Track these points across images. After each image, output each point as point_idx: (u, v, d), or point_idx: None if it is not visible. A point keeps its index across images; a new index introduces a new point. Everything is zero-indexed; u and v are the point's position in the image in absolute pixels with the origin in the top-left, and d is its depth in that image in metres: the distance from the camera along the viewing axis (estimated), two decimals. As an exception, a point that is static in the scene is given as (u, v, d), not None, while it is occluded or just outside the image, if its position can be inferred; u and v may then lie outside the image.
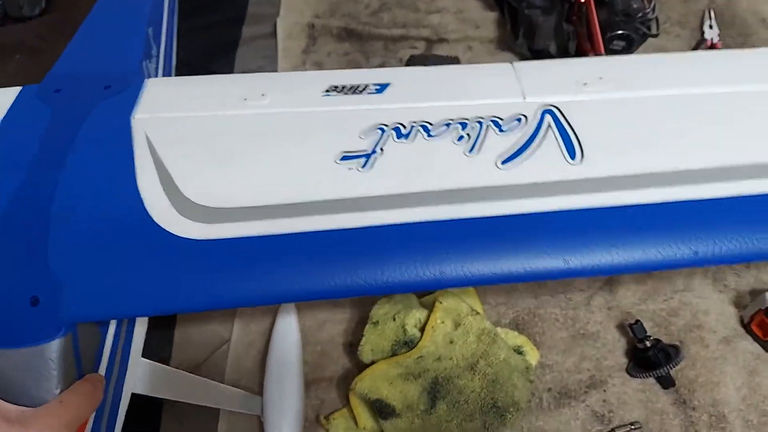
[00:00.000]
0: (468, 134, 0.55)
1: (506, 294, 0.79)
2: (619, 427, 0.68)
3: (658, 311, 0.76)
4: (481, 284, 0.48)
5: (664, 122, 0.54)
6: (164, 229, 0.50)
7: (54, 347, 0.46)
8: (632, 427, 0.68)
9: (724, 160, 0.51)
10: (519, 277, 0.46)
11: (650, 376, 0.70)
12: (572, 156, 0.52)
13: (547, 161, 0.52)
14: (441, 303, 0.67)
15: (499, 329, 0.73)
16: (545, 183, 0.51)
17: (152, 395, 0.58)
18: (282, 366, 0.71)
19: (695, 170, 0.50)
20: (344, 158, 0.55)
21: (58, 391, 0.45)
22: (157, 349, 0.75)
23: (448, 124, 0.56)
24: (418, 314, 0.68)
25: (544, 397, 0.71)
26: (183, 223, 0.50)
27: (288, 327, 0.76)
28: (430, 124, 0.57)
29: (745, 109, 0.55)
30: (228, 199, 0.52)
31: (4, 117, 0.59)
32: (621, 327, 0.75)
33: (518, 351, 0.71)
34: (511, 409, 0.65)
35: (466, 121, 0.56)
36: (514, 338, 0.72)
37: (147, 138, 0.57)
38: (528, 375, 0.68)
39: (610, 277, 0.79)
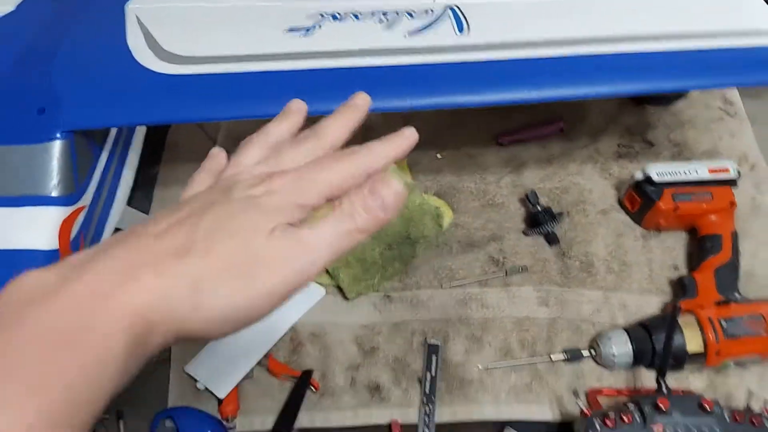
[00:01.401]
0: (387, 19, 0.69)
1: (433, 172, 0.93)
2: (511, 269, 0.82)
3: (553, 189, 0.90)
4: (387, 111, 0.62)
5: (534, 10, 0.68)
6: (147, 68, 0.63)
7: (56, 146, 0.59)
8: (521, 269, 0.82)
9: (578, 32, 0.65)
10: (414, 107, 0.60)
11: (539, 233, 0.85)
12: (461, 31, 0.66)
13: (441, 34, 0.66)
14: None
15: (423, 194, 0.87)
16: (438, 47, 0.64)
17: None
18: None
19: (553, 39, 0.64)
20: (290, 30, 0.68)
21: (56, 185, 0.59)
22: (137, 206, 0.88)
23: (373, 13, 0.70)
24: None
25: (453, 246, 0.85)
26: (161, 65, 0.64)
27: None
28: (360, 13, 0.70)
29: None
30: (196, 51, 0.65)
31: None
32: (522, 200, 0.89)
33: (436, 211, 0.85)
34: (421, 241, 0.79)
35: (387, 11, 0.70)
36: (434, 201, 0.87)
37: (137, 17, 0.70)
38: (438, 220, 0.82)
39: (517, 163, 0.92)
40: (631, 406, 0.63)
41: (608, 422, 0.62)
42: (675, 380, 0.73)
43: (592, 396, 0.72)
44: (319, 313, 0.81)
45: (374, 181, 0.32)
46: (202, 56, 0.65)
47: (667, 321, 0.72)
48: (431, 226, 0.81)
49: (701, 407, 0.62)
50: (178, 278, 0.28)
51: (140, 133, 0.78)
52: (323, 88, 0.61)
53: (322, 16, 0.70)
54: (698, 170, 0.80)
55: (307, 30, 0.68)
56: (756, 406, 0.63)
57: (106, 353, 0.25)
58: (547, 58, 0.62)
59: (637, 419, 0.62)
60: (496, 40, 0.64)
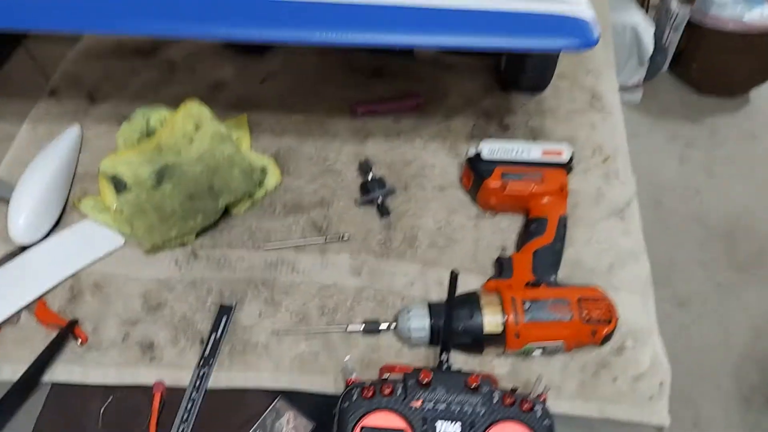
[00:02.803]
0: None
1: (276, 134, 0.84)
2: (331, 235, 0.73)
3: (395, 161, 0.81)
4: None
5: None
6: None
7: None
8: (342, 237, 0.73)
9: None
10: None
11: (369, 203, 0.76)
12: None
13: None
14: (185, 105, 0.71)
15: (252, 152, 0.78)
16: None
17: None
18: (47, 158, 0.75)
19: None
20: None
21: None
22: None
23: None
24: (164, 113, 0.73)
25: (277, 208, 0.76)
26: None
27: (70, 133, 0.80)
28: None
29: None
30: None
31: None
32: (361, 170, 0.80)
33: (262, 170, 0.76)
34: (225, 194, 0.70)
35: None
36: (261, 159, 0.78)
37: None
38: (252, 176, 0.73)
39: (365, 134, 0.84)
40: (397, 379, 0.54)
41: (367, 393, 0.53)
42: (479, 364, 0.65)
43: (383, 372, 0.63)
44: (113, 264, 0.71)
45: None
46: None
47: (468, 297, 0.63)
48: (240, 180, 0.72)
49: (467, 385, 0.53)
50: None
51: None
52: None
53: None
54: (531, 150, 0.73)
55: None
56: (536, 393, 0.55)
57: None
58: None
59: (398, 392, 0.53)
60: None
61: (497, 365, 0.65)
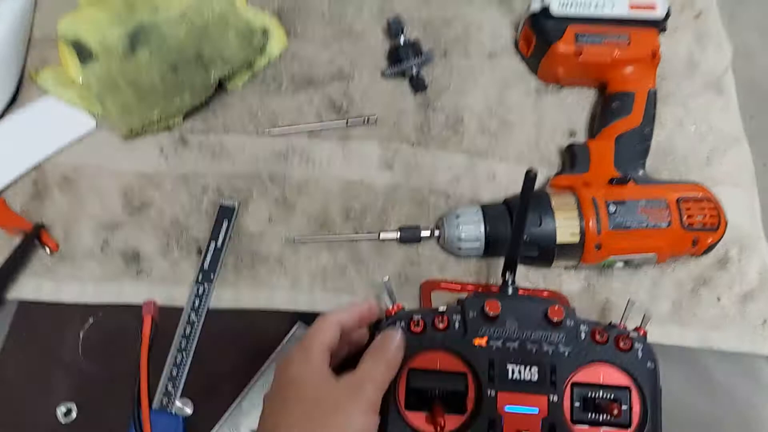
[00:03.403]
0: None
1: (277, -14, 0.65)
2: (354, 117, 0.58)
3: (432, 20, 0.63)
4: None
5: None
6: None
7: None
8: (368, 119, 0.58)
9: None
10: None
11: (401, 74, 0.60)
12: None
13: None
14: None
15: (249, 7, 0.60)
16: None
17: None
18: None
19: None
20: None
21: None
22: None
23: None
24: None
25: (284, 83, 0.60)
26: None
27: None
28: None
29: None
30: None
31: None
32: (389, 32, 0.62)
33: (263, 32, 0.59)
34: (218, 63, 0.54)
35: None
36: (261, 18, 0.60)
37: None
38: (252, 40, 0.56)
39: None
40: (453, 309, 0.41)
41: (415, 327, 0.40)
42: (544, 279, 0.52)
43: (425, 290, 0.51)
44: (83, 153, 0.56)
45: None
46: None
47: (535, 198, 0.49)
48: (237, 46, 0.55)
49: (547, 318, 0.40)
50: None
51: None
52: None
53: None
54: (615, 3, 0.55)
55: None
56: (632, 324, 0.42)
57: None
58: None
59: (456, 327, 0.40)
60: None
61: (567, 280, 0.52)
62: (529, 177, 0.40)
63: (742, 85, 0.63)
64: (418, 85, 0.60)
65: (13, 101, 0.59)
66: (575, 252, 0.48)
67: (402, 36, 0.60)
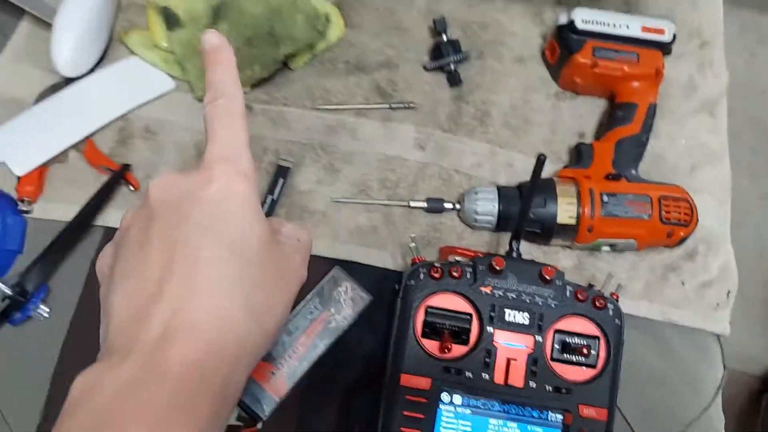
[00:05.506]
0: None
1: (339, -23, 0.77)
2: (396, 102, 0.70)
3: (471, 22, 0.75)
4: None
5: None
6: None
7: None
8: (408, 105, 0.70)
9: None
10: None
11: (440, 68, 0.72)
12: None
13: None
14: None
15: (313, -3, 0.72)
16: None
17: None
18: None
19: None
20: None
21: None
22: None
23: None
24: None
25: (338, 66, 0.72)
26: None
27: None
28: None
29: None
30: None
31: None
32: (433, 30, 0.74)
33: (326, 18, 0.71)
34: (287, 41, 0.66)
35: None
36: (324, 5, 0.72)
37: None
38: (316, 23, 0.68)
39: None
40: (466, 263, 0.54)
41: (434, 273, 0.53)
42: (543, 255, 0.65)
43: (444, 253, 0.63)
44: (162, 109, 0.69)
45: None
46: None
47: (543, 183, 0.61)
48: (304, 27, 0.67)
49: (541, 276, 0.52)
50: None
51: None
52: None
53: None
54: (630, 25, 0.67)
55: None
56: (608, 291, 0.55)
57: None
58: None
59: (467, 276, 0.53)
60: None
61: (562, 257, 0.64)
62: (540, 160, 0.52)
63: (752, 119, 0.74)
64: (454, 79, 0.72)
65: (102, 59, 0.71)
66: (571, 233, 0.61)
67: (445, 35, 0.72)
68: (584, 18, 0.67)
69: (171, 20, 0.64)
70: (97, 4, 0.68)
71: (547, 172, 0.66)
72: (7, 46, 0.70)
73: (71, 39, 0.64)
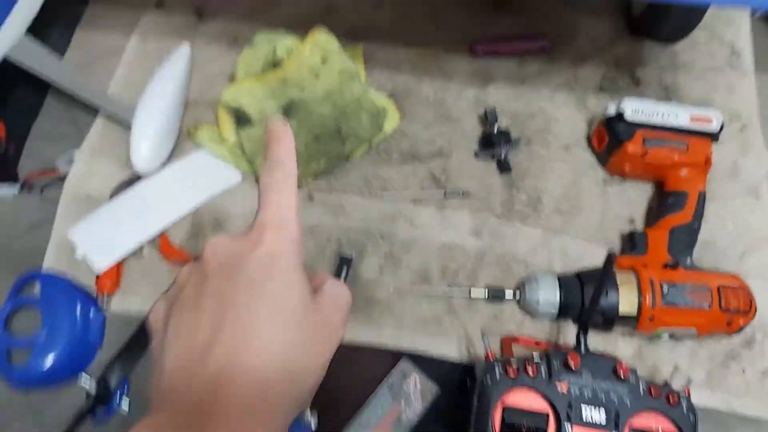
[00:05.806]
0: None
1: (390, 69, 0.81)
2: (451, 190, 0.73)
3: (518, 112, 0.79)
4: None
5: None
6: None
7: None
8: (461, 193, 0.73)
9: None
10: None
11: (491, 157, 0.75)
12: None
13: None
14: (313, 35, 0.69)
15: (372, 90, 0.76)
16: None
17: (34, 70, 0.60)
18: (163, 83, 0.73)
19: None
20: None
21: None
22: (52, 45, 0.75)
23: None
24: (290, 41, 0.70)
25: (393, 155, 0.75)
26: None
27: (181, 53, 0.78)
28: None
29: None
30: None
31: None
32: (482, 119, 0.78)
33: (380, 111, 0.75)
34: (352, 138, 0.69)
35: None
36: (381, 99, 0.75)
37: None
38: (378, 120, 0.72)
39: (486, 77, 0.81)
40: (540, 358, 0.56)
41: (510, 371, 0.54)
42: (603, 342, 0.66)
43: (506, 343, 0.65)
44: (230, 200, 0.72)
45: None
46: None
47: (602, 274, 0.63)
48: (368, 126, 0.70)
49: (615, 373, 0.54)
50: None
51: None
52: None
53: None
54: (679, 115, 0.70)
55: None
56: (677, 384, 0.56)
57: None
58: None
59: (543, 373, 0.54)
60: None
61: (621, 345, 0.66)
62: (610, 258, 0.54)
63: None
64: (504, 166, 0.75)
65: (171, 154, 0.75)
66: (632, 322, 0.63)
67: (496, 125, 0.75)
68: (634, 108, 0.70)
69: (242, 119, 0.68)
70: (171, 104, 0.72)
71: (598, 260, 0.68)
72: (85, 143, 0.74)
73: (149, 138, 0.68)
